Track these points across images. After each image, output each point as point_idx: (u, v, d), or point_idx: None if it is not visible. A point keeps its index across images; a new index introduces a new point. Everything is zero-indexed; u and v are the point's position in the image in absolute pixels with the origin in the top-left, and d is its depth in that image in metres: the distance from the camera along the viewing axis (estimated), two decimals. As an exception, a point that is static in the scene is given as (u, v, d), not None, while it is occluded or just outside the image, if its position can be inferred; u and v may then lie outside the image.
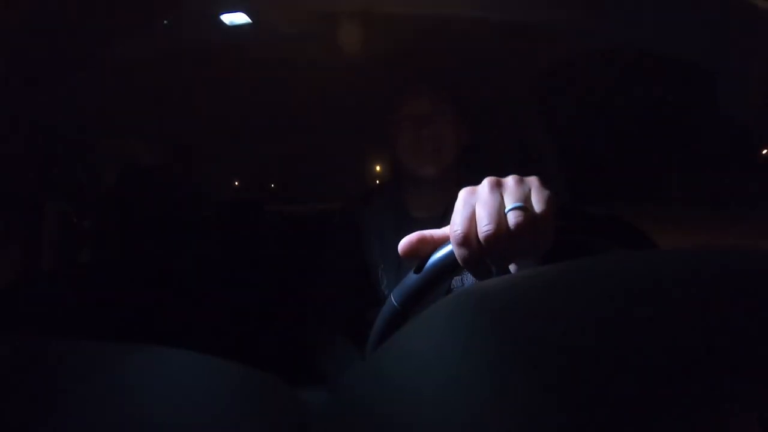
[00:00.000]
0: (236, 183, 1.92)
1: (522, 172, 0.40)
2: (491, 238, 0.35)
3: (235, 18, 0.81)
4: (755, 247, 0.25)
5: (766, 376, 0.15)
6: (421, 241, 0.40)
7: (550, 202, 0.37)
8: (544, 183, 0.38)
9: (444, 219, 0.90)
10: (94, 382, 0.25)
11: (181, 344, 0.30)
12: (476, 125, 0.98)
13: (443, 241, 0.39)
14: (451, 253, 0.37)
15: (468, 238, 0.36)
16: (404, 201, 0.98)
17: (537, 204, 0.36)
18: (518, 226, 0.35)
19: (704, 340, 0.17)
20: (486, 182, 0.38)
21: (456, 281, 0.89)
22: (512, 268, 0.43)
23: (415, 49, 1.02)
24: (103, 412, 0.23)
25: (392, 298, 0.41)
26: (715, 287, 0.21)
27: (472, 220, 0.36)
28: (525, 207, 0.36)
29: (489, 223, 0.35)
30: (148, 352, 0.29)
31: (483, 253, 0.36)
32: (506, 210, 0.36)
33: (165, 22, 0.75)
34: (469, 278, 0.90)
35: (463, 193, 0.38)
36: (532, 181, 0.38)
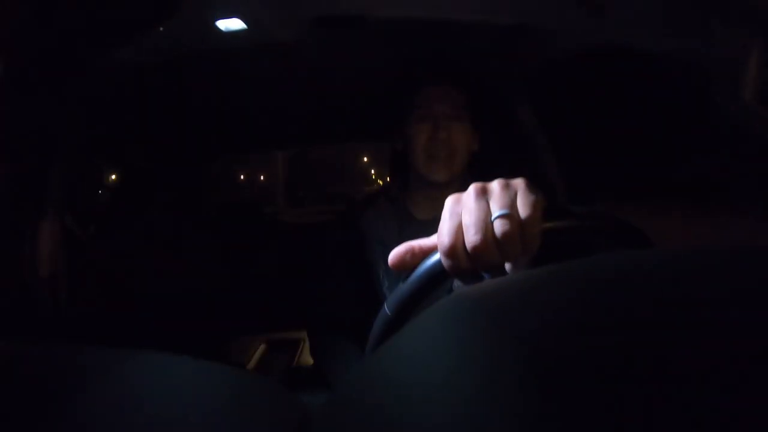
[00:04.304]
0: (235, 186, 1.93)
1: (521, 173, 0.40)
2: (478, 248, 0.35)
3: (231, 24, 0.81)
4: (753, 246, 0.25)
5: (765, 375, 0.15)
6: (409, 252, 0.40)
7: (536, 206, 0.36)
8: (531, 185, 0.38)
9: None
10: (93, 388, 0.25)
11: (179, 349, 0.30)
12: (486, 131, 0.98)
13: (432, 250, 0.39)
14: (438, 263, 0.37)
15: (455, 249, 0.36)
16: (408, 203, 0.98)
17: (523, 209, 0.36)
18: (505, 234, 0.35)
19: (704, 339, 0.17)
20: (471, 189, 0.38)
21: (456, 285, 0.89)
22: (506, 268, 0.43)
23: (429, 51, 1.03)
24: (103, 418, 0.23)
25: (385, 307, 0.41)
26: (711, 286, 0.21)
27: (458, 230, 0.36)
28: (511, 214, 0.35)
29: (475, 234, 0.35)
30: (147, 358, 0.29)
31: (471, 262, 0.36)
32: (492, 218, 0.36)
33: (160, 28, 0.76)
34: None
35: (449, 202, 0.38)
36: (519, 183, 0.38)
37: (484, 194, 0.37)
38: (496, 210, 0.36)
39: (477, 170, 0.93)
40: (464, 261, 0.36)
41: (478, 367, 0.18)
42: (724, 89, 0.68)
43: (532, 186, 0.38)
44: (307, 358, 1.10)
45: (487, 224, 0.35)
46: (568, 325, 0.19)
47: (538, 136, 1.21)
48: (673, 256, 0.25)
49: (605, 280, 0.23)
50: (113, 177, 1.47)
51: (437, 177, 0.90)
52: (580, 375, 0.16)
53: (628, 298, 0.21)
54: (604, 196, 1.22)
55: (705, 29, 0.66)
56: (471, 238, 0.35)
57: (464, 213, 0.37)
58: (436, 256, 0.37)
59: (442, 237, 0.36)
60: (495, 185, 0.38)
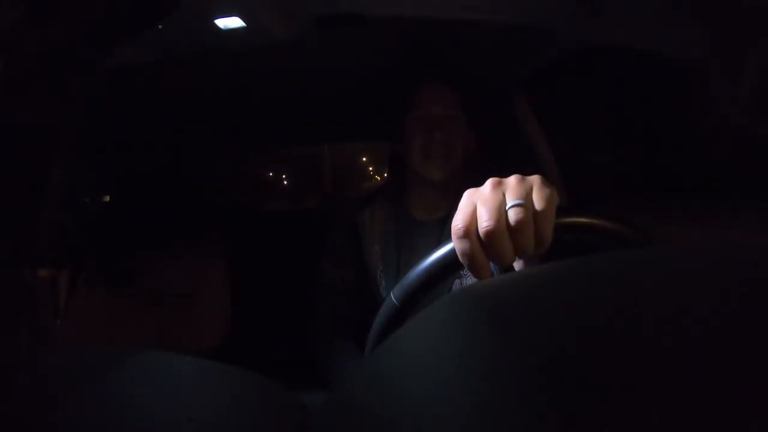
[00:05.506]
0: (235, 185, 1.93)
1: (520, 173, 0.41)
2: (491, 234, 0.35)
3: (230, 23, 0.81)
4: (754, 243, 0.25)
5: (765, 373, 0.15)
6: None
7: (550, 200, 0.37)
8: (546, 181, 0.39)
9: (446, 222, 0.90)
10: (93, 388, 0.24)
11: (181, 349, 0.30)
12: (483, 131, 0.99)
13: None
14: (451, 250, 0.38)
15: (468, 233, 0.36)
16: (406, 203, 0.98)
17: (538, 201, 0.37)
18: (518, 222, 0.36)
19: (705, 337, 0.17)
20: (488, 182, 0.39)
21: (455, 284, 0.89)
22: (516, 266, 0.43)
23: (424, 51, 1.03)
24: (103, 417, 0.23)
25: (392, 296, 0.41)
26: (714, 284, 0.21)
27: (473, 216, 0.37)
28: (525, 205, 0.36)
29: (488, 219, 0.36)
30: (147, 358, 0.29)
31: (483, 249, 0.36)
32: (507, 207, 0.36)
33: (159, 27, 0.75)
34: (468, 280, 0.90)
35: (467, 193, 0.40)
36: (534, 179, 0.39)
37: (500, 186, 0.38)
38: (510, 200, 0.37)
39: (480, 169, 0.93)
40: (476, 247, 0.36)
41: (479, 366, 0.18)
42: (724, 89, 0.68)
43: (548, 182, 0.39)
44: (307, 359, 1.09)
45: (501, 212, 0.36)
46: (569, 324, 0.19)
47: (537, 136, 1.21)
48: (673, 256, 0.25)
49: (606, 279, 0.23)
50: (113, 177, 1.47)
51: (434, 176, 0.90)
52: (580, 374, 0.16)
53: (628, 298, 0.21)
54: (604, 196, 1.22)
55: (705, 29, 0.66)
56: (484, 223, 0.36)
57: (479, 201, 0.38)
58: (450, 245, 0.38)
59: (456, 222, 0.37)
60: (511, 179, 0.39)
